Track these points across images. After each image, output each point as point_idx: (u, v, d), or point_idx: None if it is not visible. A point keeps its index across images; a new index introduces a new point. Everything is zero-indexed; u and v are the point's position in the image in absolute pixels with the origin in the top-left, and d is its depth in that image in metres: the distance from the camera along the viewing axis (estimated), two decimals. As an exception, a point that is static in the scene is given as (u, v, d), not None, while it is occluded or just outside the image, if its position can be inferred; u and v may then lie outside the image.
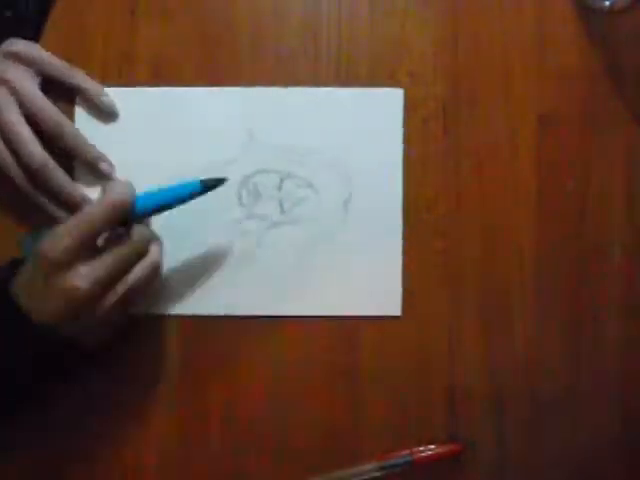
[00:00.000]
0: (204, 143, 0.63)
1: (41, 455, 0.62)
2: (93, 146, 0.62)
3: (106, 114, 0.63)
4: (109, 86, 0.63)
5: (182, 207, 0.59)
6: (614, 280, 0.63)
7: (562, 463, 0.62)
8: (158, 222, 0.60)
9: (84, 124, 0.63)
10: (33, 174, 0.59)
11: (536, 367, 0.63)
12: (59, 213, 0.61)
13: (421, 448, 0.62)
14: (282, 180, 0.63)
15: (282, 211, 0.63)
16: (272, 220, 0.63)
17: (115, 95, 0.63)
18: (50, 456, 0.62)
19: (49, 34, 0.63)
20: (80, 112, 0.63)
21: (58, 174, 0.60)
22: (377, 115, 0.64)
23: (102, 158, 0.62)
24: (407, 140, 0.63)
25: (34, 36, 0.62)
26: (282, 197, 0.63)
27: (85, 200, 0.61)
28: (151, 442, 0.62)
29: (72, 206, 0.61)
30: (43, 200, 0.61)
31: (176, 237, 0.62)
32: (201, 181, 0.58)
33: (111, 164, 0.62)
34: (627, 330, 0.63)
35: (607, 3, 0.63)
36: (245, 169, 0.63)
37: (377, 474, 0.61)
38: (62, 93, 0.63)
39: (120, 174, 0.63)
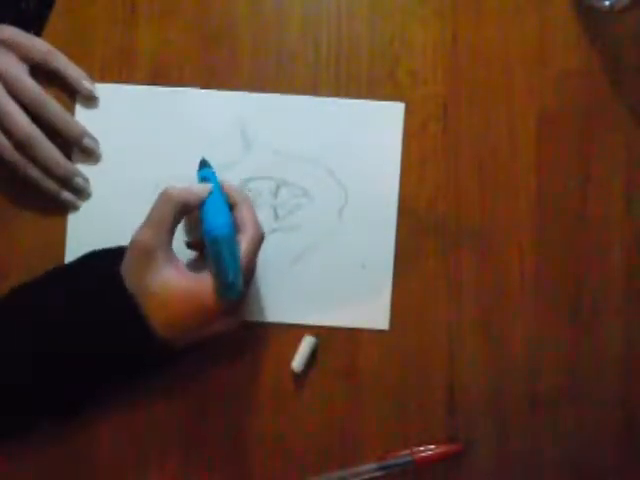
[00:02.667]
0: (201, 145, 0.63)
1: (39, 455, 0.62)
2: (77, 123, 0.62)
3: (101, 107, 0.63)
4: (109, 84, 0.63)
5: None
6: (614, 280, 0.63)
7: (562, 463, 0.62)
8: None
9: (83, 121, 0.63)
10: (21, 145, 0.59)
11: (536, 367, 0.63)
12: (51, 185, 0.61)
13: (421, 448, 0.62)
14: (278, 187, 0.63)
15: (276, 218, 0.63)
16: (266, 227, 0.63)
17: (115, 92, 0.63)
18: (49, 456, 0.62)
19: (49, 33, 0.63)
20: (80, 109, 0.63)
21: (46, 145, 0.60)
22: (377, 127, 0.63)
23: (86, 134, 0.62)
24: (407, 139, 0.63)
25: (35, 34, 0.62)
26: (277, 204, 0.63)
27: (77, 173, 0.62)
28: (151, 442, 0.62)
29: (63, 179, 0.61)
30: (34, 171, 0.61)
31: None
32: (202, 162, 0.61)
33: (95, 140, 0.62)
34: (627, 330, 0.63)
35: (607, 3, 0.63)
36: (241, 174, 0.63)
37: (377, 474, 0.61)
38: (63, 90, 0.63)
39: (116, 174, 0.63)
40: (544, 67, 0.64)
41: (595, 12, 0.63)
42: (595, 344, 0.63)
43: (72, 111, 0.63)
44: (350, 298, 0.63)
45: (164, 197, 0.56)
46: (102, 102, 0.63)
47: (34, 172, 0.60)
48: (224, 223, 0.55)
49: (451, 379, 0.63)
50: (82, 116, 0.63)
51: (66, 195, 0.62)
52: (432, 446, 0.62)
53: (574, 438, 0.62)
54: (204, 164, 0.61)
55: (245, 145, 0.63)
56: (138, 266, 0.55)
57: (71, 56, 0.62)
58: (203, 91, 0.63)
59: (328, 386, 0.62)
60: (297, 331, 0.63)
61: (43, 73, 0.62)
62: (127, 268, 0.55)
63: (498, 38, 0.64)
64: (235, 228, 0.56)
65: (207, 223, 0.56)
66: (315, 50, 0.64)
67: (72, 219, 0.63)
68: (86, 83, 0.62)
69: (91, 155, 0.62)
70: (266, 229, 0.63)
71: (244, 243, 0.56)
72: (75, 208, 0.63)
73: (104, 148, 0.63)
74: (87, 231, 0.63)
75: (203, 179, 0.59)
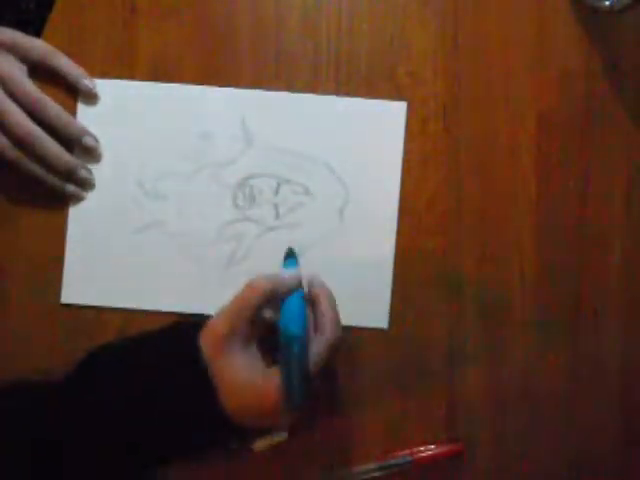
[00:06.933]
0: (203, 142, 0.63)
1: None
2: (76, 122, 0.62)
3: (103, 104, 0.63)
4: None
5: (177, 205, 0.62)
6: (614, 279, 0.63)
7: (562, 463, 0.62)
8: (153, 217, 0.62)
9: (85, 119, 0.63)
10: (22, 143, 0.60)
11: (536, 367, 0.63)
12: (54, 180, 0.61)
13: (421, 448, 0.62)
14: (279, 185, 0.63)
15: (277, 216, 0.63)
16: (266, 224, 0.63)
17: (117, 89, 0.63)
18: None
19: (49, 33, 0.63)
20: (82, 107, 0.63)
21: (47, 140, 0.60)
22: (379, 126, 0.63)
23: (86, 132, 0.62)
24: (407, 140, 0.63)
25: (35, 34, 0.62)
26: (278, 202, 0.63)
27: (80, 165, 0.62)
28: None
29: (66, 172, 0.61)
30: (36, 168, 0.61)
31: (169, 235, 0.63)
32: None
33: (95, 138, 0.63)
34: (627, 329, 0.63)
35: (607, 3, 0.63)
36: (242, 172, 0.63)
37: (377, 474, 0.61)
38: (63, 89, 0.63)
39: (118, 170, 0.63)
40: (544, 67, 0.64)
41: (595, 12, 0.63)
42: (595, 344, 0.63)
43: (74, 109, 0.63)
44: (350, 296, 0.62)
45: (249, 288, 0.54)
46: (104, 99, 0.63)
47: (36, 168, 0.61)
48: (300, 324, 0.53)
49: (451, 379, 0.63)
50: (84, 114, 0.63)
51: (70, 188, 0.62)
52: (432, 446, 0.62)
53: (574, 438, 0.62)
54: (290, 254, 0.60)
55: (246, 142, 0.63)
56: (212, 348, 0.53)
57: (71, 56, 0.63)
58: (204, 88, 0.63)
59: (328, 385, 0.62)
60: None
61: (43, 72, 0.62)
62: (204, 344, 0.53)
63: (498, 38, 0.64)
64: (311, 326, 0.55)
65: (284, 320, 0.54)
66: (315, 50, 0.64)
67: (73, 217, 0.63)
68: (85, 81, 0.62)
69: (92, 153, 0.63)
70: (266, 227, 0.63)
71: (320, 346, 0.54)
72: (80, 200, 0.63)
73: (106, 144, 0.63)
74: (88, 230, 0.63)
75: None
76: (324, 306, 0.56)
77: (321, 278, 0.58)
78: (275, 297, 0.55)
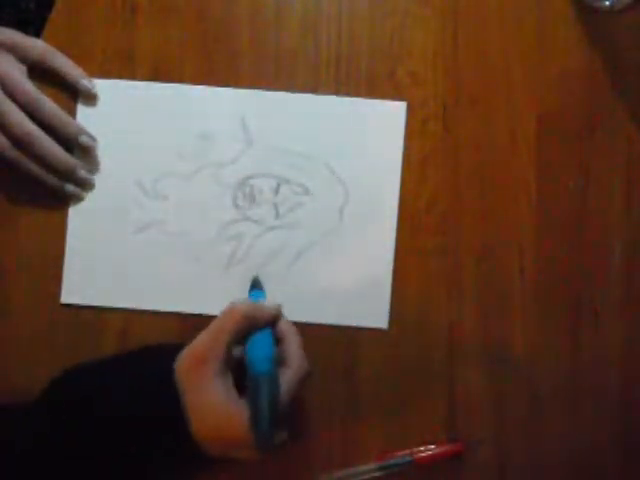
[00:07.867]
0: (203, 142, 0.63)
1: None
2: (74, 121, 0.62)
3: (102, 104, 0.63)
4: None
5: (177, 205, 0.62)
6: (614, 280, 0.63)
7: (562, 463, 0.62)
8: (153, 216, 0.61)
9: (85, 119, 0.63)
10: (21, 143, 0.60)
11: (536, 367, 0.63)
12: (53, 180, 0.62)
13: (421, 448, 0.62)
14: (279, 185, 0.63)
15: (277, 216, 0.63)
16: (266, 224, 0.63)
17: (117, 89, 0.63)
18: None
19: (49, 33, 0.63)
20: (82, 108, 0.63)
21: (45, 140, 0.60)
22: (379, 126, 0.63)
23: (83, 132, 0.62)
24: (407, 140, 0.63)
25: (35, 34, 0.63)
26: (278, 202, 0.63)
27: (79, 165, 0.62)
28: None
29: (65, 173, 0.62)
30: (35, 168, 0.61)
31: (169, 235, 0.63)
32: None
33: (93, 138, 0.62)
34: (627, 330, 0.63)
35: (607, 3, 0.63)
36: (243, 171, 0.63)
37: (377, 474, 0.61)
38: (62, 89, 0.63)
39: (118, 170, 0.63)
40: (544, 67, 0.64)
41: (595, 12, 0.63)
42: (595, 344, 0.63)
43: (73, 109, 0.63)
44: (349, 297, 0.63)
45: (228, 310, 0.54)
46: (104, 99, 0.63)
47: (35, 168, 0.61)
48: (269, 362, 0.53)
49: (451, 379, 0.63)
50: (84, 114, 0.63)
51: (69, 188, 0.62)
52: (432, 446, 0.62)
53: (574, 438, 0.62)
54: (256, 284, 0.59)
55: (246, 142, 0.63)
56: (189, 371, 0.53)
57: (71, 56, 0.63)
58: (204, 88, 0.64)
59: (328, 386, 0.62)
60: (304, 324, 0.62)
61: (42, 72, 0.62)
62: (179, 366, 0.53)
63: (498, 38, 0.64)
64: (278, 362, 0.54)
65: (251, 356, 0.53)
66: (315, 50, 0.64)
67: (73, 217, 0.63)
68: (84, 82, 0.62)
69: (89, 152, 0.63)
70: (266, 227, 0.63)
71: (285, 380, 0.54)
72: (80, 200, 0.63)
73: (106, 144, 0.63)
74: (88, 230, 0.63)
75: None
76: (291, 343, 0.56)
77: (283, 313, 0.58)
78: (253, 326, 0.55)
